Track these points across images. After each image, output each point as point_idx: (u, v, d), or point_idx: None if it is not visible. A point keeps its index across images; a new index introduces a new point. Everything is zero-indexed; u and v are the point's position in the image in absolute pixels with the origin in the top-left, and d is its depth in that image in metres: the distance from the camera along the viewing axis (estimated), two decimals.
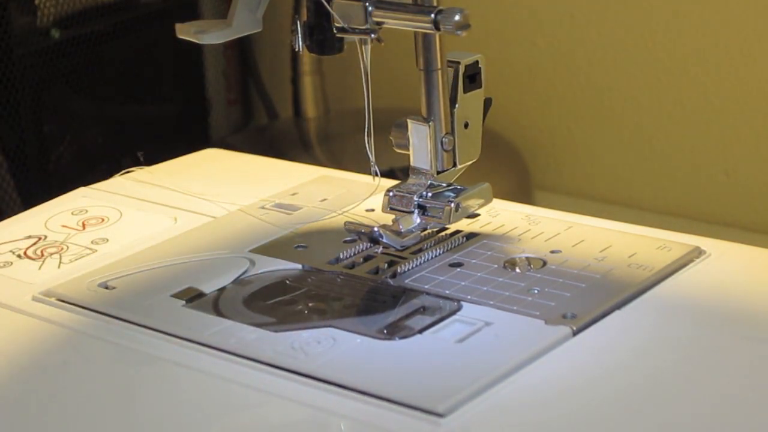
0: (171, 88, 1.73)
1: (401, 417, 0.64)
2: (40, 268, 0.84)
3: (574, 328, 0.71)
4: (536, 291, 0.75)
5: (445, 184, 0.81)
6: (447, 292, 0.76)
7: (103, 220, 0.91)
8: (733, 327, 0.72)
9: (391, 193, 0.81)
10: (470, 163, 0.82)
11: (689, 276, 0.78)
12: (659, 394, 0.65)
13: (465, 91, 0.81)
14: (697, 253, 0.80)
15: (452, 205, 0.80)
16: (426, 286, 0.77)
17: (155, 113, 1.72)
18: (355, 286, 0.79)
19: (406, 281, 0.78)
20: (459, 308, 0.74)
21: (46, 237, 0.89)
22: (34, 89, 1.48)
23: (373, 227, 0.78)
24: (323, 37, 0.79)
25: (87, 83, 1.57)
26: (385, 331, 0.73)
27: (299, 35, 0.80)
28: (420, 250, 0.81)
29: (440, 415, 0.64)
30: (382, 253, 0.81)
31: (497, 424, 0.64)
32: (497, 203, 0.87)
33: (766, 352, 0.69)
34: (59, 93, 1.53)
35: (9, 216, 0.95)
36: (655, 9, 1.54)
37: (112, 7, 1.59)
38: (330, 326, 0.73)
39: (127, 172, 0.99)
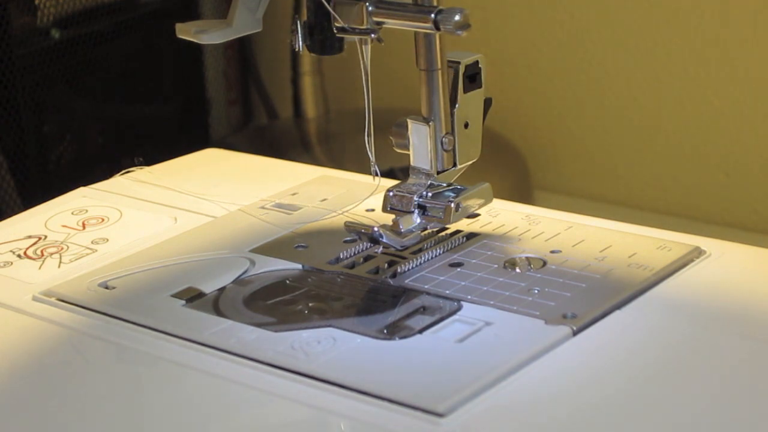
0: (171, 88, 1.73)
1: (401, 417, 0.64)
2: (40, 268, 0.84)
3: (574, 328, 0.71)
4: (536, 291, 0.75)
5: (445, 184, 0.81)
6: (447, 292, 0.76)
7: (103, 220, 0.91)
8: (733, 327, 0.72)
9: (391, 193, 0.81)
10: (470, 163, 0.82)
11: (689, 276, 0.78)
12: (659, 394, 0.65)
13: (465, 91, 0.81)
14: (697, 253, 0.80)
15: (452, 205, 0.80)
16: (426, 286, 0.77)
17: (155, 113, 1.72)
18: (355, 286, 0.79)
19: (406, 281, 0.78)
20: (459, 308, 0.74)
21: (46, 237, 0.89)
22: (34, 89, 1.48)
23: (373, 227, 0.78)
24: (323, 37, 0.79)
25: (87, 83, 1.57)
26: (385, 331, 0.73)
27: (299, 35, 0.80)
28: (420, 250, 0.81)
29: (440, 415, 0.64)
30: (382, 253, 0.81)
31: (497, 424, 0.64)
32: (497, 203, 0.87)
33: (766, 352, 0.69)
34: (59, 93, 1.53)
35: (9, 216, 0.95)
36: (655, 9, 1.54)
37: (112, 7, 1.59)
38: (330, 326, 0.73)
39: (127, 172, 0.99)
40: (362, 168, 0.89)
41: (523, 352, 0.69)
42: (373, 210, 0.88)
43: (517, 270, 0.79)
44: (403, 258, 0.81)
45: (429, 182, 0.80)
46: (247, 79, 1.88)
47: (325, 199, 0.92)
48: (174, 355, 0.72)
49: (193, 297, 0.78)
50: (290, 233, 0.86)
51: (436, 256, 0.81)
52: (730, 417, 0.64)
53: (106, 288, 0.80)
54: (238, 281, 0.80)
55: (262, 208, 0.91)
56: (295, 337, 0.72)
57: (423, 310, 0.75)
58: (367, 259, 0.82)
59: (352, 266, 0.81)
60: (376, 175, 0.82)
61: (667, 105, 1.56)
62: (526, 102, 1.67)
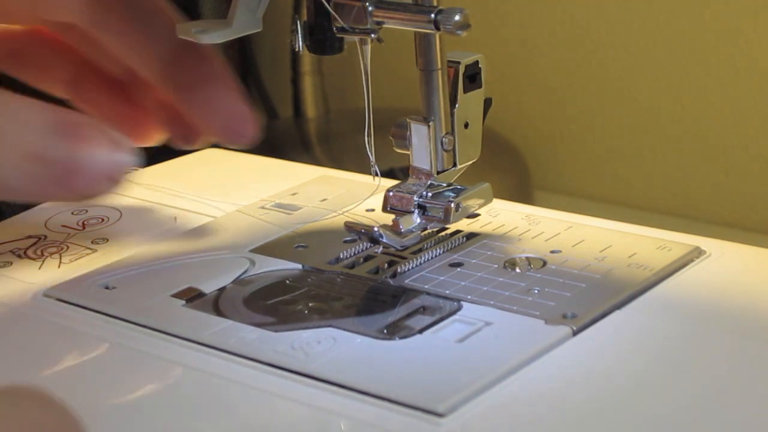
0: None
1: (401, 417, 0.64)
2: (40, 268, 0.84)
3: (574, 328, 0.71)
4: (536, 291, 0.75)
5: (445, 184, 0.81)
6: (447, 292, 0.76)
7: (103, 220, 0.91)
8: (733, 327, 0.72)
9: (391, 193, 0.81)
10: (470, 163, 0.82)
11: (689, 276, 0.78)
12: (659, 394, 0.65)
13: (465, 91, 0.81)
14: (697, 253, 0.80)
15: (452, 205, 0.80)
16: (426, 286, 0.77)
17: None
18: (355, 286, 0.79)
19: (406, 281, 0.78)
20: (459, 308, 0.74)
21: (46, 237, 0.89)
22: (34, 89, 1.48)
23: (373, 227, 0.78)
24: (323, 37, 0.79)
25: None
26: (385, 331, 0.73)
27: (299, 35, 0.80)
28: (420, 250, 0.81)
29: (440, 415, 0.64)
30: (382, 253, 0.81)
31: (497, 424, 0.64)
32: (497, 203, 0.87)
33: (766, 352, 0.69)
34: None
35: (9, 216, 0.95)
36: (655, 9, 1.54)
37: None
38: (330, 326, 0.73)
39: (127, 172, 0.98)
40: (362, 168, 0.89)
41: (523, 352, 0.69)
42: (373, 210, 0.88)
43: (517, 270, 0.79)
44: (403, 258, 0.80)
45: (429, 182, 0.81)
46: (247, 79, 1.88)
47: (325, 199, 0.92)
48: (174, 355, 0.72)
49: (193, 297, 0.78)
50: (290, 233, 0.86)
51: (436, 256, 0.81)
52: (730, 417, 0.64)
53: (106, 288, 0.80)
54: (238, 281, 0.80)
55: (262, 208, 0.91)
56: (295, 337, 0.72)
57: (423, 310, 0.75)
58: (367, 259, 0.82)
59: (352, 266, 0.81)
60: (376, 175, 0.82)
61: (667, 105, 1.56)
62: (526, 102, 1.66)
